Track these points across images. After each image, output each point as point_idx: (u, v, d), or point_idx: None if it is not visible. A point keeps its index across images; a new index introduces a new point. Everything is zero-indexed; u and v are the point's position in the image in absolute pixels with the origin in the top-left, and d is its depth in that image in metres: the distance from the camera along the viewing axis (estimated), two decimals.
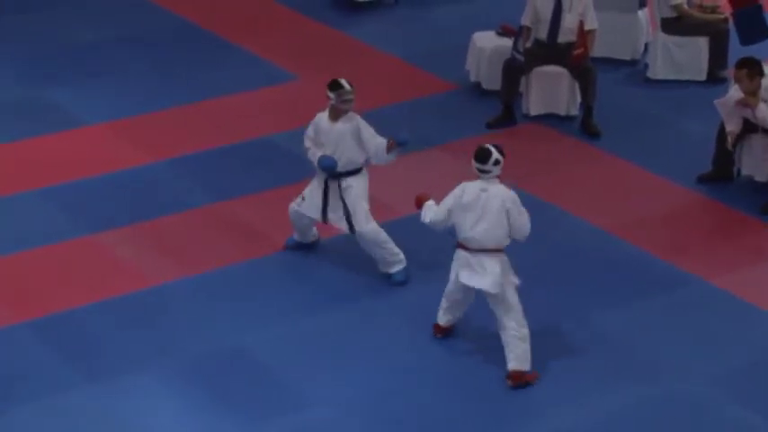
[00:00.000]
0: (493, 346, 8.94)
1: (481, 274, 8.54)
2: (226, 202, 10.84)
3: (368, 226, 9.53)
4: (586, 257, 10.07)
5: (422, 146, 11.41)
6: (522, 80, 12.13)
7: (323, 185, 9.65)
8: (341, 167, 9.56)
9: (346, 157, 9.57)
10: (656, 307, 9.49)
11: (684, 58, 12.82)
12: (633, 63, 13.23)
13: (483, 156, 8.47)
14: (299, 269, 9.93)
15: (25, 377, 8.68)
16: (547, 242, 10.01)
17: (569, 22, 11.89)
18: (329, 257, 10.05)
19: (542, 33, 12.02)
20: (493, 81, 12.44)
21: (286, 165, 11.38)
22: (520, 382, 8.58)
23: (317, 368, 8.80)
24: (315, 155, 9.65)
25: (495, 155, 8.46)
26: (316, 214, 9.70)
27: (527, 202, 9.95)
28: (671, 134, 11.98)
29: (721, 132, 10.91)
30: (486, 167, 8.47)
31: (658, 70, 12.87)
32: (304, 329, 9.21)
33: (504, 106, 12.15)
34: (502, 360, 8.76)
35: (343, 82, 9.59)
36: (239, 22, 14.33)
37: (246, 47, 13.70)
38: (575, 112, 12.17)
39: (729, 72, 12.04)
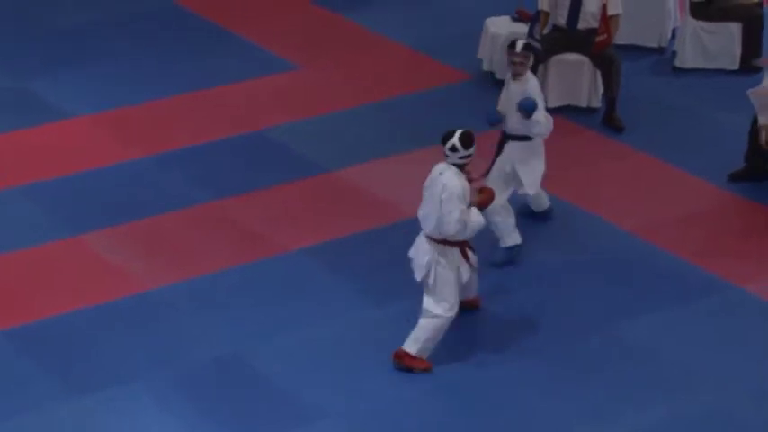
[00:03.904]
0: (504, 358, 8.93)
1: (415, 256, 8.79)
2: (220, 201, 10.79)
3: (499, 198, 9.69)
4: (611, 262, 10.02)
5: (431, 141, 11.31)
6: (540, 69, 12.04)
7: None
8: (509, 130, 9.80)
9: (512, 120, 9.79)
10: (688, 315, 9.43)
11: (715, 45, 12.73)
12: (660, 51, 13.16)
13: (443, 137, 8.70)
14: (298, 273, 9.87)
15: (3, 391, 8.62)
16: (568, 245, 9.99)
17: (591, 6, 11.81)
18: (329, 262, 9.99)
19: (561, 18, 11.94)
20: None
21: (286, 161, 11.33)
22: (401, 363, 8.78)
23: (318, 379, 8.79)
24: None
25: (453, 141, 8.64)
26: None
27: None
28: (701, 128, 11.91)
29: (755, 126, 10.84)
30: (445, 150, 8.68)
31: (687, 58, 12.79)
32: (304, 338, 9.19)
33: None
34: (515, 372, 8.75)
35: (517, 42, 9.80)
36: (236, 7, 14.28)
37: (244, 34, 13.65)
38: (596, 103, 12.10)
39: (764, 61, 11.96)
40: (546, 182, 10.63)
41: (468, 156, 8.68)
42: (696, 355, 9.02)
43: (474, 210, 8.72)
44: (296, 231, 10.35)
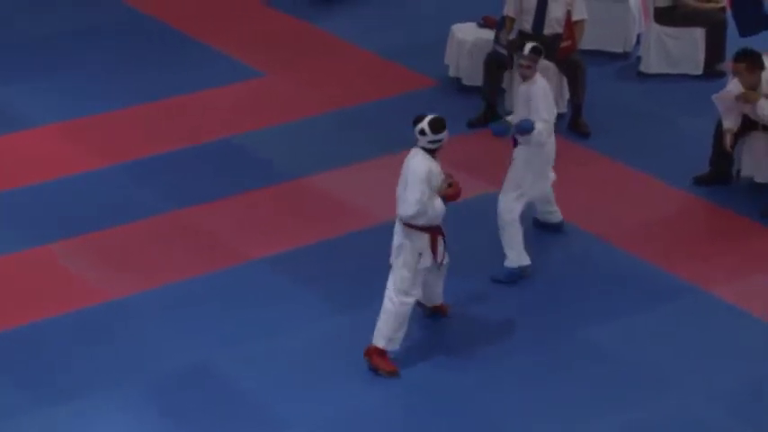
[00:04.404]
0: (473, 362, 8.93)
1: (395, 238, 8.87)
2: (187, 209, 10.76)
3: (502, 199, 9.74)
4: (577, 266, 10.04)
5: (397, 147, 11.33)
6: (506, 75, 12.07)
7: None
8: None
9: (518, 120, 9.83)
10: (654, 319, 9.47)
11: (679, 50, 12.79)
12: (625, 56, 13.21)
13: (414, 120, 8.81)
14: (265, 282, 9.86)
15: None
16: (534, 249, 9.96)
17: (556, 11, 11.85)
18: (296, 270, 9.98)
19: (527, 24, 11.98)
20: (474, 76, 12.39)
21: (252, 168, 11.31)
22: (370, 361, 8.86)
23: (289, 387, 8.77)
24: None
25: (422, 125, 8.75)
26: None
27: None
28: (665, 133, 11.96)
29: (719, 130, 10.89)
30: (415, 134, 8.77)
31: (652, 63, 12.84)
32: (272, 346, 9.17)
33: (486, 103, 12.10)
34: (484, 377, 8.77)
35: (526, 45, 9.86)
36: (201, 16, 14.25)
37: (209, 42, 13.63)
38: (562, 109, 12.13)
39: (727, 65, 12.02)
40: None
41: (438, 141, 8.74)
42: (662, 359, 9.05)
43: (437, 198, 8.73)
44: (262, 239, 10.34)
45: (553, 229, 10.37)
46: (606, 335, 9.28)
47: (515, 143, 9.85)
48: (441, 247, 8.91)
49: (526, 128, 9.61)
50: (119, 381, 8.80)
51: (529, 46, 9.80)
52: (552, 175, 10.02)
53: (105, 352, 9.08)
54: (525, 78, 9.84)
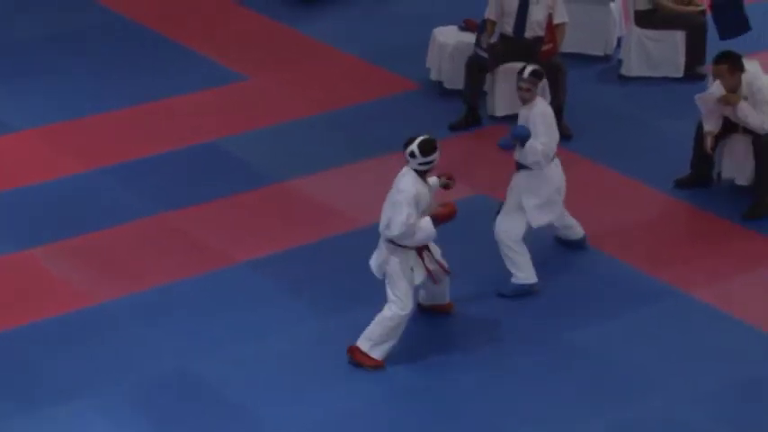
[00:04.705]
0: (455, 365, 8.95)
1: (376, 255, 8.89)
2: (172, 213, 10.75)
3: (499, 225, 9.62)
4: (558, 269, 10.06)
5: (379, 151, 11.36)
6: (487, 78, 12.10)
7: None
8: (516, 157, 9.65)
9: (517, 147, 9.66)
10: (634, 322, 9.49)
11: (660, 53, 12.84)
12: (606, 59, 13.24)
13: (406, 142, 8.81)
14: (249, 285, 9.86)
15: None
16: None
17: (537, 14, 11.88)
18: (279, 273, 9.98)
19: (508, 27, 12.00)
20: (455, 79, 12.40)
21: (236, 172, 11.31)
22: (353, 357, 8.87)
23: (273, 392, 8.77)
24: None
25: (412, 147, 8.75)
26: None
27: (494, 209, 9.94)
28: (646, 135, 12.00)
29: (699, 133, 10.93)
30: (405, 155, 8.76)
31: (632, 66, 12.88)
32: (255, 350, 9.17)
33: (467, 106, 12.12)
34: (474, 380, 8.79)
35: (526, 68, 9.66)
36: (183, 19, 14.23)
37: (192, 45, 13.61)
38: None
39: (708, 68, 12.05)
40: (492, 189, 10.68)
41: (428, 163, 8.75)
42: (645, 361, 9.08)
43: (426, 219, 8.75)
44: (246, 243, 10.34)
45: (576, 246, 10.19)
46: (589, 337, 9.30)
47: (517, 167, 9.65)
48: (430, 260, 8.91)
49: (522, 134, 9.45)
50: (102, 385, 8.78)
51: (529, 69, 9.61)
52: (561, 209, 9.80)
53: (89, 356, 9.06)
54: (525, 102, 9.64)
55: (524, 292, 9.65)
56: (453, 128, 12.05)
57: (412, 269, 8.83)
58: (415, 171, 8.76)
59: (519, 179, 9.62)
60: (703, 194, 11.02)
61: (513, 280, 9.66)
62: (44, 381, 8.84)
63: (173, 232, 10.50)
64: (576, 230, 10.19)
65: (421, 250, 8.88)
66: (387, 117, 12.24)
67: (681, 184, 11.14)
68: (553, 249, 10.27)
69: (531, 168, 9.54)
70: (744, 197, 10.84)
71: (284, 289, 9.82)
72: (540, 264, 9.90)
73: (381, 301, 8.99)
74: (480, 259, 9.90)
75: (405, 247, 8.79)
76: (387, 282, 8.86)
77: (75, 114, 12.25)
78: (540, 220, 9.63)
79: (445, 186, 9.14)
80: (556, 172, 9.69)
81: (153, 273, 9.96)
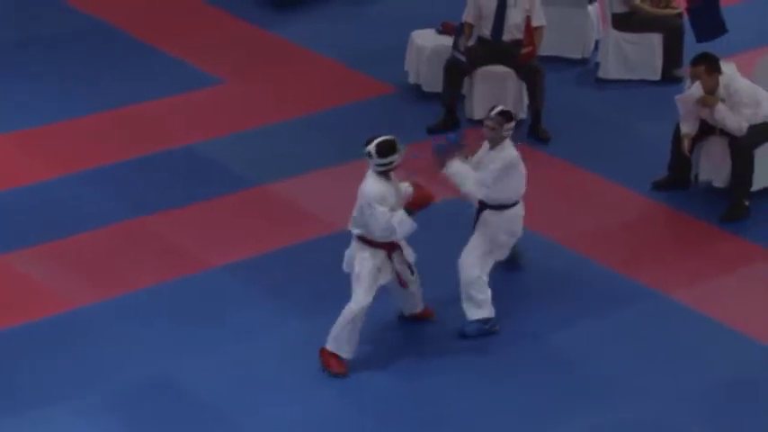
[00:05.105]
0: (433, 368, 8.96)
1: (348, 251, 8.93)
2: (146, 218, 10.72)
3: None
4: (538, 271, 10.07)
5: (358, 154, 11.31)
6: (465, 81, 12.11)
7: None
8: (489, 201, 9.24)
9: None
10: (613, 324, 9.51)
11: (637, 56, 12.87)
12: (583, 62, 13.27)
13: (366, 142, 8.73)
14: (227, 289, 9.84)
15: None
16: None
17: (515, 17, 11.90)
18: (257, 277, 9.97)
19: (486, 31, 12.02)
20: (434, 82, 12.41)
21: (213, 175, 11.29)
22: (323, 361, 8.87)
23: (252, 395, 8.76)
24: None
25: (369, 148, 8.70)
26: None
27: (472, 213, 9.94)
28: (624, 138, 12.03)
29: (677, 135, 10.97)
30: (364, 153, 8.71)
31: (610, 69, 12.92)
32: (232, 354, 9.15)
33: (445, 110, 12.13)
34: (452, 383, 8.81)
35: (495, 107, 9.31)
36: (159, 22, 14.20)
37: (167, 49, 13.57)
38: (522, 115, 12.17)
39: (685, 70, 12.10)
40: None
41: (386, 164, 8.72)
42: (624, 363, 9.10)
43: (399, 212, 8.72)
44: (224, 247, 10.32)
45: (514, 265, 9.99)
46: (569, 339, 9.32)
47: (481, 207, 9.35)
48: (401, 267, 8.90)
49: (452, 139, 9.09)
50: (78, 391, 8.75)
51: (497, 109, 9.20)
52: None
53: (64, 362, 9.02)
54: (492, 144, 9.23)
55: (487, 330, 9.36)
56: (431, 131, 12.05)
57: (379, 269, 8.82)
58: (376, 172, 8.74)
59: (487, 220, 9.31)
60: (681, 196, 11.06)
61: (472, 317, 9.34)
62: (22, 385, 8.80)
63: (150, 236, 10.47)
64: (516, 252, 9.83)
65: (391, 252, 8.84)
66: (365, 120, 12.23)
67: (659, 187, 11.17)
68: (533, 251, 10.28)
69: (497, 209, 9.28)
70: (721, 199, 10.88)
71: (263, 292, 9.80)
72: (518, 267, 9.92)
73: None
74: (454, 263, 9.88)
75: (375, 246, 8.76)
76: (352, 278, 8.87)
77: (50, 119, 12.20)
78: (506, 250, 9.38)
79: (412, 199, 8.93)
80: (519, 207, 9.41)
81: (130, 277, 9.93)
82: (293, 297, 9.72)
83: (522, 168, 9.33)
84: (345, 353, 8.89)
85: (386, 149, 8.70)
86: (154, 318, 9.51)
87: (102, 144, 11.82)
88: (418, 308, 9.39)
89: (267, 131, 12.04)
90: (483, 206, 9.40)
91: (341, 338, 8.87)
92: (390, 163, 8.73)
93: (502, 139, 9.26)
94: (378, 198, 8.66)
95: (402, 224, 8.72)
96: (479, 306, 9.31)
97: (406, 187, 9.05)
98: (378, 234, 8.69)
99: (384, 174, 8.77)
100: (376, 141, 8.72)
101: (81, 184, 11.19)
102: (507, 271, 9.91)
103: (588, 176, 11.39)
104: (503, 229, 9.34)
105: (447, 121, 12.11)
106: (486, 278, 9.29)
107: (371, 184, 8.73)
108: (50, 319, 9.48)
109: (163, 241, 10.40)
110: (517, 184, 9.33)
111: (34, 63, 13.26)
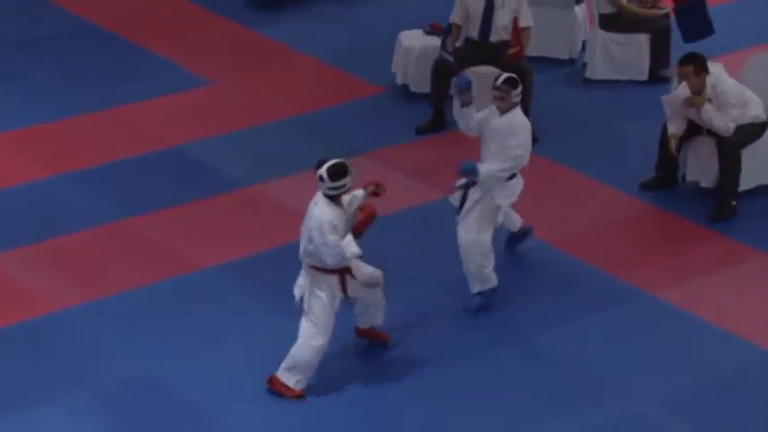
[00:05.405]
0: (429, 371, 8.96)
1: (299, 276, 8.77)
2: (134, 218, 10.72)
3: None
4: (524, 271, 10.08)
5: (346, 155, 11.32)
6: (453, 82, 12.11)
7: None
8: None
9: (486, 153, 9.49)
10: (600, 324, 9.53)
11: (625, 56, 12.90)
12: (571, 62, 13.30)
13: (317, 164, 8.53)
14: (214, 290, 9.84)
15: None
16: None
17: (502, 19, 11.92)
18: (245, 278, 9.97)
19: (473, 31, 12.04)
20: (422, 83, 12.42)
21: (201, 176, 11.29)
22: (273, 388, 8.71)
23: (239, 397, 8.74)
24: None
25: (320, 171, 8.49)
26: None
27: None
28: (611, 138, 12.06)
29: (664, 135, 10.99)
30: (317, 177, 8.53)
31: (597, 70, 12.94)
32: (220, 355, 9.15)
33: (434, 110, 12.15)
34: (439, 384, 8.80)
35: (501, 75, 9.50)
36: (147, 24, 14.19)
37: (155, 50, 13.57)
38: None
39: (672, 71, 12.13)
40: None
41: (338, 188, 8.48)
42: (612, 363, 9.12)
43: (348, 239, 8.50)
44: (214, 247, 10.31)
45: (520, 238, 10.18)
46: (556, 339, 9.33)
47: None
48: (354, 283, 8.73)
49: (468, 169, 9.21)
50: (65, 392, 8.74)
51: (503, 77, 9.37)
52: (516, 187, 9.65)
53: (51, 363, 9.01)
54: (501, 111, 9.39)
55: (490, 299, 9.54)
56: (420, 131, 12.07)
57: (333, 295, 8.68)
58: (326, 196, 8.54)
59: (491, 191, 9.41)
60: (668, 197, 11.08)
61: (472, 290, 9.51)
62: (6, 387, 8.78)
63: (139, 237, 10.46)
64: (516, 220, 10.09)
65: (344, 275, 8.69)
66: (353, 121, 12.24)
67: (646, 187, 11.20)
68: (520, 251, 10.30)
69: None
70: (708, 199, 10.91)
71: (252, 293, 9.80)
72: (504, 266, 9.92)
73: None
74: (446, 261, 9.91)
75: (328, 273, 8.63)
76: (304, 309, 8.68)
77: (38, 120, 12.19)
78: (510, 200, 9.56)
79: (374, 194, 8.87)
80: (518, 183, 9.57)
81: (118, 278, 9.92)
82: (282, 298, 9.69)
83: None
84: (302, 384, 8.71)
85: (337, 173, 8.46)
86: (141, 318, 9.50)
87: (90, 145, 11.82)
88: (370, 323, 9.11)
89: (256, 132, 12.04)
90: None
91: (299, 374, 8.66)
92: (343, 186, 8.49)
93: (512, 105, 9.39)
94: (329, 227, 8.44)
95: (350, 250, 8.48)
96: (484, 279, 9.42)
97: (360, 196, 8.81)
98: (330, 262, 8.52)
99: (334, 198, 8.54)
100: (327, 165, 8.48)
101: (69, 185, 11.18)
102: (500, 267, 9.94)
103: (576, 177, 11.41)
104: (503, 195, 9.45)
105: (435, 121, 12.13)
106: (489, 248, 9.36)
107: (322, 210, 8.49)
108: (37, 320, 9.45)
109: (151, 242, 10.40)
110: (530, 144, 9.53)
111: (22, 64, 13.24)
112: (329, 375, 8.90)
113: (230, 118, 12.27)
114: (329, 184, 8.48)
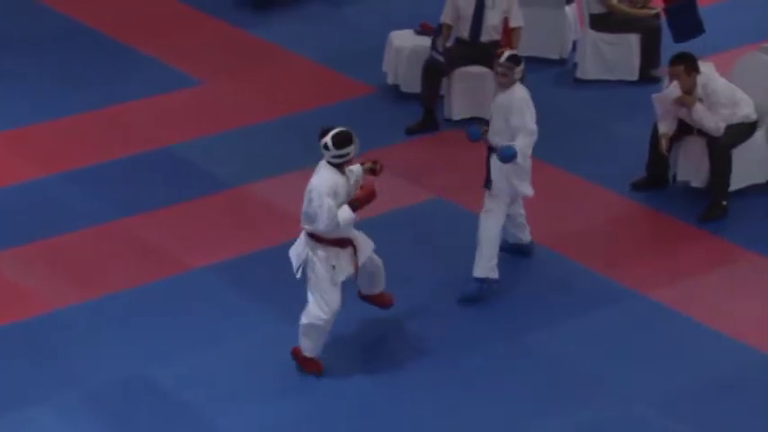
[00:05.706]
0: (422, 369, 8.97)
1: (294, 248, 8.81)
2: (126, 219, 10.71)
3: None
4: (515, 272, 10.09)
5: None
6: (444, 82, 12.14)
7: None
8: (493, 142, 9.60)
9: (494, 129, 9.63)
10: (592, 324, 9.54)
11: (615, 56, 12.92)
12: (561, 62, 13.32)
13: (320, 134, 8.60)
14: (207, 290, 9.84)
15: None
16: (472, 256, 9.99)
17: (493, 19, 11.94)
18: (238, 278, 9.97)
19: (464, 31, 12.05)
20: (412, 83, 12.43)
21: (193, 177, 11.28)
22: (296, 359, 8.87)
23: (231, 398, 8.75)
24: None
25: (325, 139, 8.55)
26: None
27: (452, 212, 9.98)
28: (602, 138, 12.08)
29: (655, 135, 11.01)
30: (321, 147, 8.59)
31: (588, 70, 12.97)
32: (213, 356, 9.15)
33: (424, 110, 12.16)
34: (426, 382, 8.80)
35: (504, 52, 9.63)
36: (137, 23, 14.19)
37: (146, 50, 13.56)
38: None
39: (662, 71, 12.15)
40: (449, 192, 10.71)
41: (342, 155, 8.54)
42: (604, 362, 9.13)
43: (344, 207, 8.57)
44: (206, 248, 10.32)
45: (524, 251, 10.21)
46: (548, 339, 9.35)
47: (489, 151, 9.56)
48: (358, 255, 8.77)
49: (509, 155, 9.35)
50: (57, 392, 8.74)
51: (506, 54, 9.57)
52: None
53: (43, 363, 9.00)
54: (503, 87, 9.54)
55: (485, 289, 9.62)
56: (410, 131, 12.08)
57: (333, 266, 8.72)
58: (330, 164, 8.60)
59: (504, 171, 9.53)
60: (659, 196, 11.10)
61: (474, 273, 9.58)
62: (1, 387, 8.77)
63: (131, 237, 10.46)
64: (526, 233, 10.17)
65: (344, 245, 8.74)
66: (344, 121, 12.05)
67: (637, 187, 11.22)
68: (509, 251, 10.31)
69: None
70: (699, 199, 10.93)
71: (243, 294, 9.80)
72: (497, 265, 9.94)
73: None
74: (436, 262, 9.93)
75: (328, 244, 8.68)
76: (308, 284, 8.75)
77: (30, 120, 12.18)
78: (531, 188, 9.70)
79: (371, 171, 8.92)
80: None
81: (110, 279, 9.92)
82: (273, 298, 9.72)
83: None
84: (315, 351, 8.88)
85: (342, 141, 8.52)
86: (134, 318, 9.50)
87: (82, 145, 11.81)
88: (374, 289, 9.18)
89: (247, 132, 12.05)
90: (490, 150, 9.53)
91: (309, 345, 8.81)
92: (347, 154, 8.56)
93: (513, 82, 9.54)
94: (329, 191, 8.48)
95: (345, 219, 8.54)
96: (487, 266, 9.48)
97: (357, 172, 8.86)
98: (322, 227, 8.54)
99: (338, 166, 8.60)
100: (332, 132, 8.55)
101: (60, 186, 11.18)
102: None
103: (566, 177, 11.43)
104: (526, 183, 9.63)
105: (426, 121, 12.14)
106: (499, 237, 9.51)
107: (324, 176, 8.55)
108: (31, 320, 9.45)
109: (143, 242, 10.40)
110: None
111: (15, 65, 13.23)
112: (327, 372, 8.92)
113: (221, 118, 12.27)
114: (333, 152, 8.53)
